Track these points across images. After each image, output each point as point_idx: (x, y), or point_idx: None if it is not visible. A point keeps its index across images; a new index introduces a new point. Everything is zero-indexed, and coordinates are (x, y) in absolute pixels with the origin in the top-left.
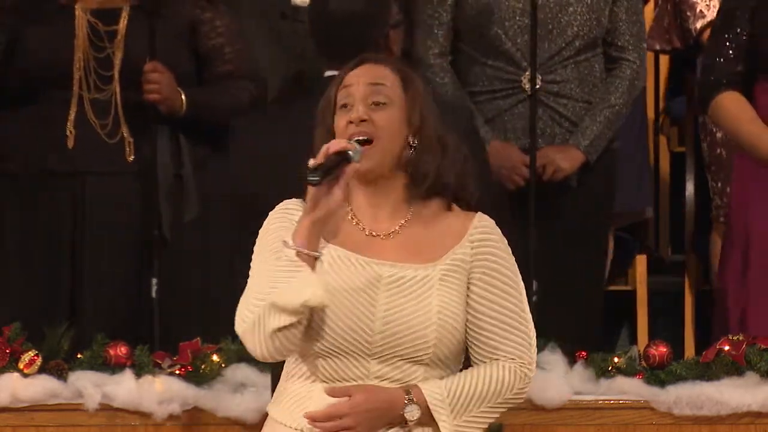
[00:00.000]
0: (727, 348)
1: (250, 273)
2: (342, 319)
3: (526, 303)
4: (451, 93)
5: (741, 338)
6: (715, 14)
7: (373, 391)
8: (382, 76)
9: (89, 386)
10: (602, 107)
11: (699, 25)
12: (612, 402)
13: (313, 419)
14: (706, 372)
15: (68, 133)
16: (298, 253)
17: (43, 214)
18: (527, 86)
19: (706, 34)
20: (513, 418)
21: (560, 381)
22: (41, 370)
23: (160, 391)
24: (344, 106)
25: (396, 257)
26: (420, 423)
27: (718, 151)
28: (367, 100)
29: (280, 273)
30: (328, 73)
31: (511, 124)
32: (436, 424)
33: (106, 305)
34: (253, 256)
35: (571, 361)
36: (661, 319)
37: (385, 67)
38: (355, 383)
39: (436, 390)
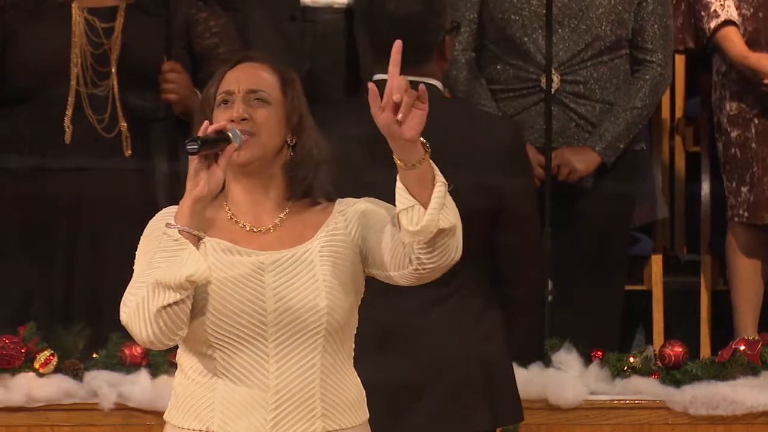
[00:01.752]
0: (742, 348)
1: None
2: (235, 304)
3: None
4: (463, 89)
5: (757, 338)
6: (729, 14)
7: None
8: (261, 75)
9: (104, 386)
10: (623, 109)
11: (713, 24)
12: (627, 402)
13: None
14: (722, 372)
15: (65, 128)
16: (181, 233)
17: (41, 211)
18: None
19: (721, 33)
20: (529, 417)
21: (576, 381)
22: (56, 369)
23: None
24: (224, 102)
25: (277, 246)
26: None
27: (733, 150)
28: (248, 98)
29: (163, 254)
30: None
31: (529, 124)
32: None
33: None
34: (135, 257)
35: (587, 361)
36: (676, 319)
37: (264, 66)
38: (255, 371)
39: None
